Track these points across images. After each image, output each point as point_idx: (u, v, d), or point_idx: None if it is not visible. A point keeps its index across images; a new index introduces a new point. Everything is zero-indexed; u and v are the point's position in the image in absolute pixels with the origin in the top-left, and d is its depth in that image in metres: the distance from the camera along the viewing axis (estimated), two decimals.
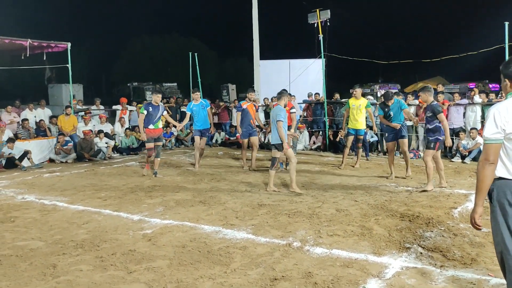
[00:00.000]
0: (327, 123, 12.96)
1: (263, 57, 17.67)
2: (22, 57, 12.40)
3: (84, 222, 5.78)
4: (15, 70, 16.28)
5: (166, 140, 14.55)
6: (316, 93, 13.85)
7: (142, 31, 42.16)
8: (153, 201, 6.93)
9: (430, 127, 7.43)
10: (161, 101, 9.43)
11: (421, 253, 4.42)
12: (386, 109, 8.63)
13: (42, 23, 30.87)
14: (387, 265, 4.12)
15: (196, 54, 15.99)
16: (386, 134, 8.95)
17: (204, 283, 3.79)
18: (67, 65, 12.76)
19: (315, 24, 12.95)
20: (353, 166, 9.88)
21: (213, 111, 15.68)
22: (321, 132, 13.39)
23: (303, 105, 14.20)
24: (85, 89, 23.39)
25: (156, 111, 9.10)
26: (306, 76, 14.81)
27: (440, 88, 12.57)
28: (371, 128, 11.14)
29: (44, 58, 13.03)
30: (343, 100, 14.22)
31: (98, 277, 3.97)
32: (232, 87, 24.94)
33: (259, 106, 14.95)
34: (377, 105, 8.97)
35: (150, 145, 9.28)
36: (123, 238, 5.08)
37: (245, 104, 9.92)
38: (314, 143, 13.42)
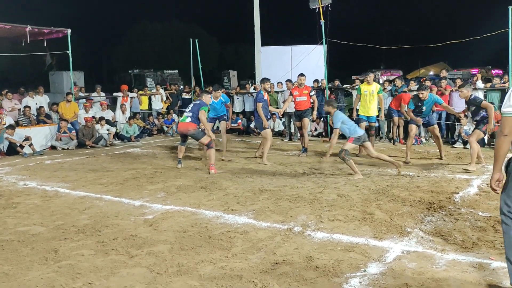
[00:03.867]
0: None
1: (264, 43, 17.53)
2: (23, 44, 12.33)
3: (85, 208, 5.79)
4: (16, 57, 16.22)
5: (167, 127, 14.55)
6: (315, 80, 13.75)
7: (143, 18, 41.85)
8: (154, 187, 6.93)
9: (477, 118, 7.81)
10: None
11: (422, 237, 4.42)
12: (419, 104, 8.45)
13: (42, 9, 30.66)
14: (388, 249, 4.13)
15: (196, 40, 15.89)
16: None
17: (205, 267, 3.80)
18: (68, 52, 12.69)
19: (317, 9, 12.81)
20: (357, 155, 9.38)
21: None
22: (322, 119, 13.34)
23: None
24: (86, 76, 23.28)
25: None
26: (308, 63, 14.69)
27: (444, 73, 12.47)
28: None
29: (45, 45, 12.97)
30: (345, 86, 14.17)
31: (100, 261, 3.98)
32: (233, 73, 24.78)
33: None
34: (411, 98, 8.83)
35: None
36: (125, 223, 5.09)
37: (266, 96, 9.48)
38: (315, 129, 13.38)
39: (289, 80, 12.12)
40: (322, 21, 12.45)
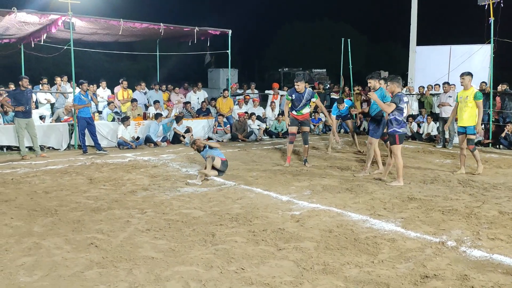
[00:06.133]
0: (492, 116, 11.69)
1: (419, 42, 16.60)
2: (189, 44, 13.68)
3: (238, 197, 6.23)
4: (182, 55, 18.04)
5: (314, 125, 14.74)
6: (482, 82, 12.52)
7: (294, 17, 42.93)
8: (300, 184, 7.12)
9: (390, 117, 7.11)
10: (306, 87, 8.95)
11: None
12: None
13: (206, 14, 33.58)
14: None
15: (348, 40, 15.75)
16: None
17: (350, 270, 3.80)
18: (227, 51, 13.67)
19: (486, 6, 11.66)
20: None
21: (362, 98, 15.37)
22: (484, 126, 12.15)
23: None
24: (239, 74, 24.84)
25: (301, 97, 8.66)
26: (469, 64, 13.51)
27: None
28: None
29: (208, 44, 14.17)
30: None
31: (251, 249, 4.26)
32: (384, 74, 23.98)
33: (413, 94, 14.20)
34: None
35: (291, 129, 8.91)
36: (273, 216, 5.34)
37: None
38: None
39: (447, 83, 11.31)
40: (492, 18, 11.31)
